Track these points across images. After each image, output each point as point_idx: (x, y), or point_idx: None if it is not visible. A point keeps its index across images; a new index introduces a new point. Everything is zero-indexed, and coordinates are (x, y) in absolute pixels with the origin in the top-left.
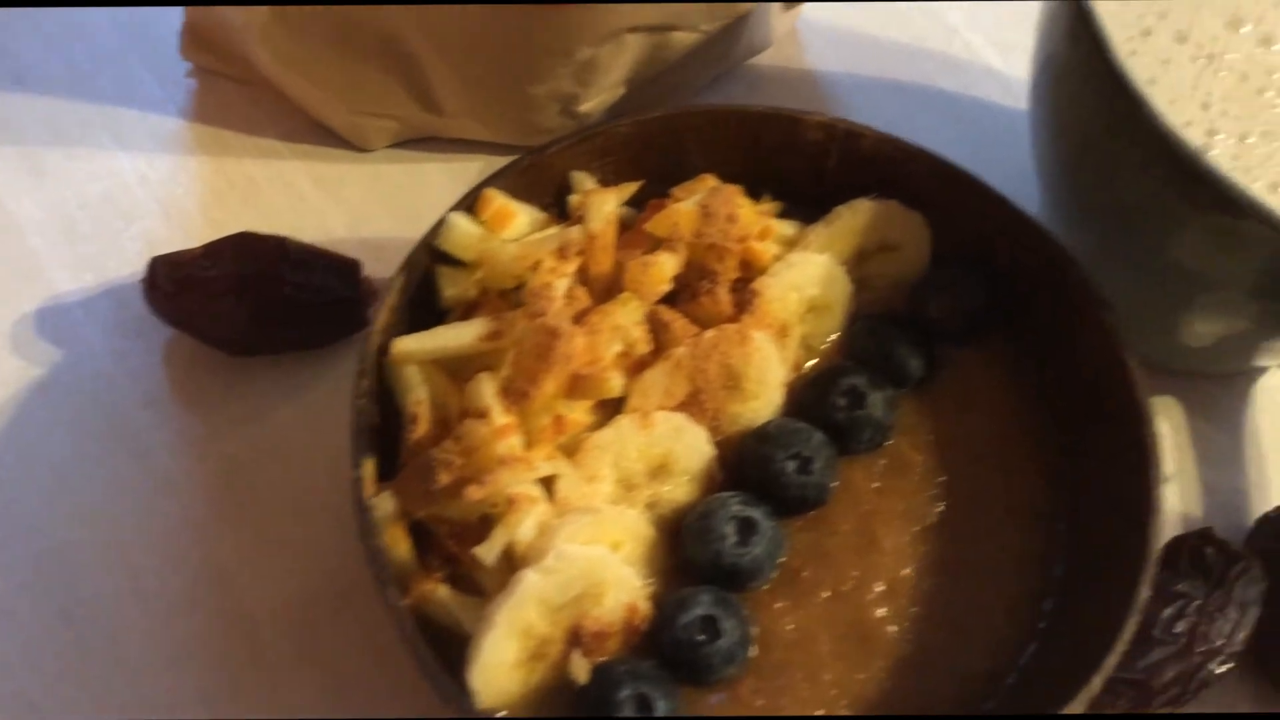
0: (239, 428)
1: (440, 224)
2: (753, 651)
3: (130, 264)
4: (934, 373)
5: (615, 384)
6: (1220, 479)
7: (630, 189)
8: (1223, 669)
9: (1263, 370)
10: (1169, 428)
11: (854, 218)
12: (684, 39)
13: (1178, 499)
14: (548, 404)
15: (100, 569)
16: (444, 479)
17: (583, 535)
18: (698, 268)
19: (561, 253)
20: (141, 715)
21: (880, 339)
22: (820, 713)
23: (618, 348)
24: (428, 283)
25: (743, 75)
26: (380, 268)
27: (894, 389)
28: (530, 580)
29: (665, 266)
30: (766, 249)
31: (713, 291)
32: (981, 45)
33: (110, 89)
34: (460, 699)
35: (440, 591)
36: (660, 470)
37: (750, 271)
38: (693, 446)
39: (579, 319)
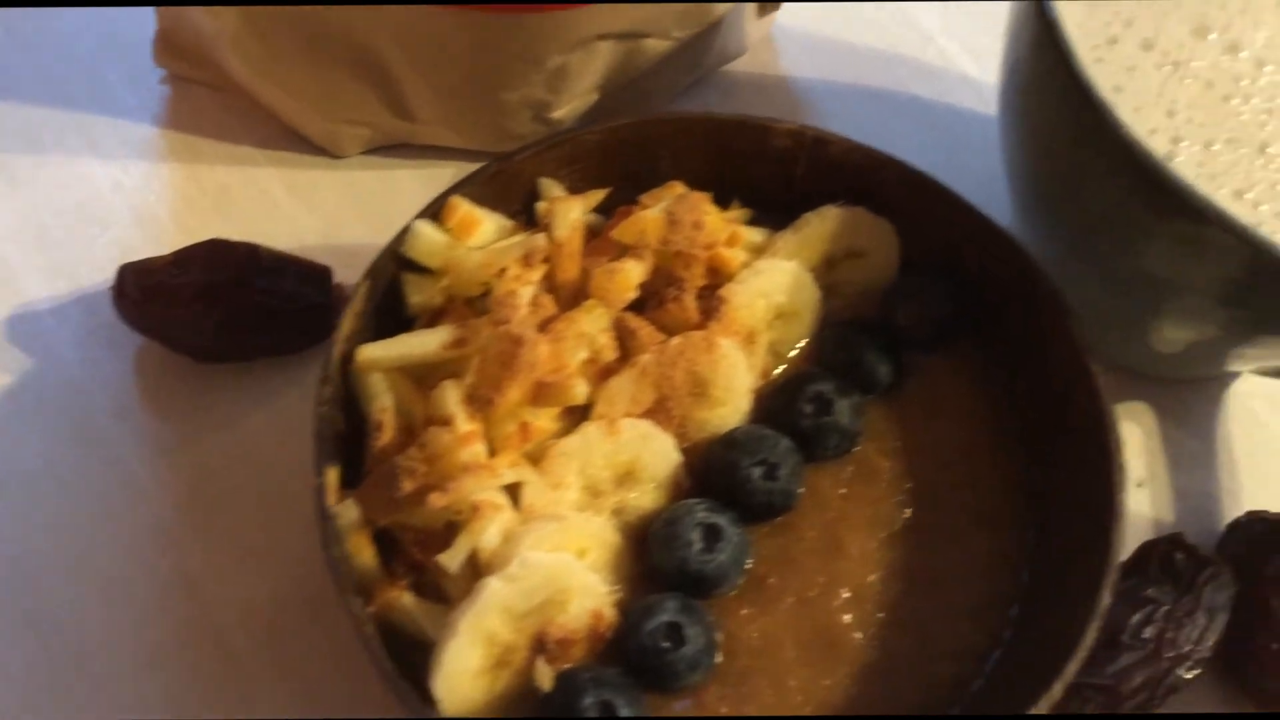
0: (209, 435)
1: (405, 231)
2: (718, 658)
3: (102, 271)
4: (902, 380)
5: (580, 391)
6: (1192, 484)
7: (597, 197)
8: (1191, 674)
9: (1235, 375)
10: (1141, 433)
11: (822, 225)
12: (656, 46)
13: (1149, 504)
14: (512, 411)
15: (69, 576)
16: (407, 486)
17: (547, 542)
18: (665, 275)
19: (526, 260)
20: None
21: (848, 346)
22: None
23: (583, 355)
24: (395, 290)
25: (718, 81)
26: (352, 274)
27: (862, 396)
28: (493, 588)
29: (631, 274)
30: (734, 256)
31: (679, 298)
32: (956, 52)
33: (83, 96)
34: (423, 707)
35: (405, 599)
36: (627, 477)
37: (719, 278)
38: (659, 453)
39: (544, 326)
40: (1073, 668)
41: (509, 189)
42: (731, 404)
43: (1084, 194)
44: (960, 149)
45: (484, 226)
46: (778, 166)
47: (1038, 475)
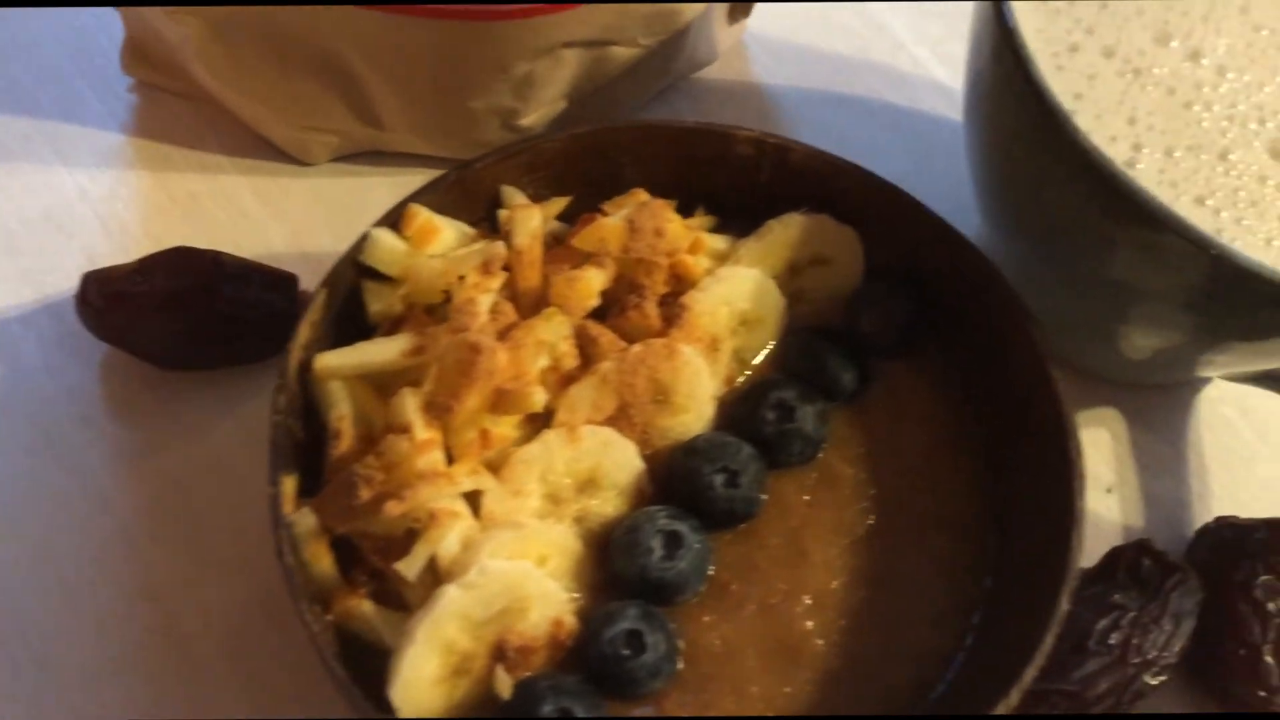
0: (175, 443)
1: (363, 239)
2: (679, 665)
3: (69, 279)
4: (866, 386)
5: (538, 399)
6: (1163, 490)
7: (558, 205)
8: (1157, 680)
9: (1206, 381)
10: (1111, 438)
11: (785, 232)
12: (623, 53)
13: (1119, 510)
14: (472, 419)
15: (33, 584)
16: (365, 494)
17: (507, 550)
18: (627, 282)
19: (485, 268)
20: None
21: (812, 353)
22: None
23: (543, 363)
24: (356, 298)
25: (688, 88)
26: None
27: (825, 402)
28: (451, 596)
29: (592, 281)
30: (698, 263)
31: (641, 306)
32: (927, 58)
33: (51, 104)
34: (378, 714)
35: (364, 606)
36: (588, 484)
37: (682, 286)
38: (621, 460)
39: (504, 334)
40: (1030, 674)
41: (471, 197)
42: (694, 411)
43: (1045, 201)
44: (931, 155)
45: (444, 234)
46: (741, 174)
47: (1001, 481)
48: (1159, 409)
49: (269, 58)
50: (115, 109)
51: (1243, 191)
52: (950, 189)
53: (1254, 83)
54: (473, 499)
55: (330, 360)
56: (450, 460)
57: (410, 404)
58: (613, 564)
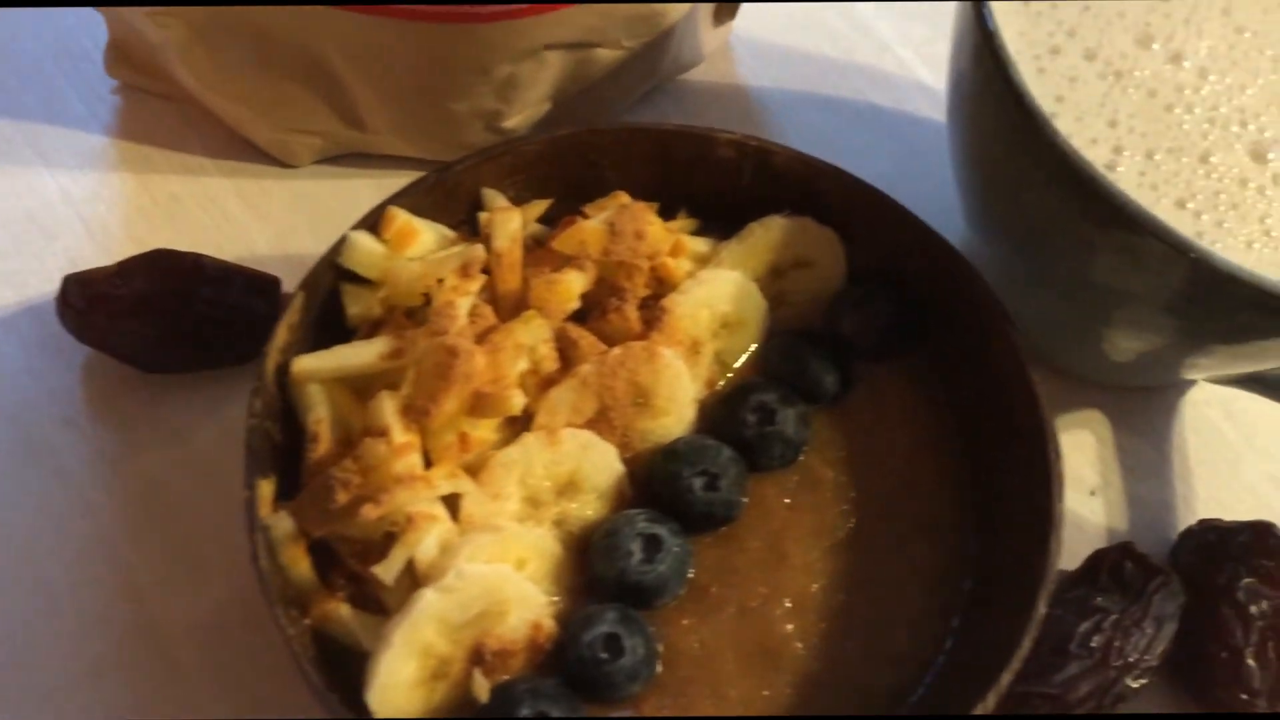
0: (157, 446)
1: (341, 242)
2: (658, 669)
3: (51, 282)
4: (849, 389)
5: (516, 402)
6: (1147, 492)
7: (539, 208)
8: (1138, 683)
9: (1191, 383)
10: (1095, 441)
11: (767, 234)
12: (607, 55)
13: (1103, 512)
14: (451, 422)
15: (13, 586)
16: (342, 498)
17: (485, 553)
18: (608, 285)
19: (464, 271)
20: None
21: (794, 355)
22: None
23: (523, 366)
24: (336, 300)
25: (674, 90)
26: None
27: (807, 405)
28: (428, 599)
29: (571, 284)
30: (679, 266)
31: (621, 309)
32: (912, 60)
33: (34, 106)
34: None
35: (342, 610)
36: (568, 487)
37: (664, 288)
38: (600, 463)
39: (483, 337)
40: (1007, 679)
41: (452, 199)
42: (675, 414)
43: (1025, 203)
44: (917, 156)
45: (423, 237)
46: (723, 177)
47: (982, 484)
48: (1144, 411)
49: (251, 60)
50: (98, 111)
51: (1224, 194)
52: (936, 190)
53: (1235, 85)
54: (452, 502)
55: (308, 363)
56: (429, 464)
57: (388, 407)
58: (592, 567)
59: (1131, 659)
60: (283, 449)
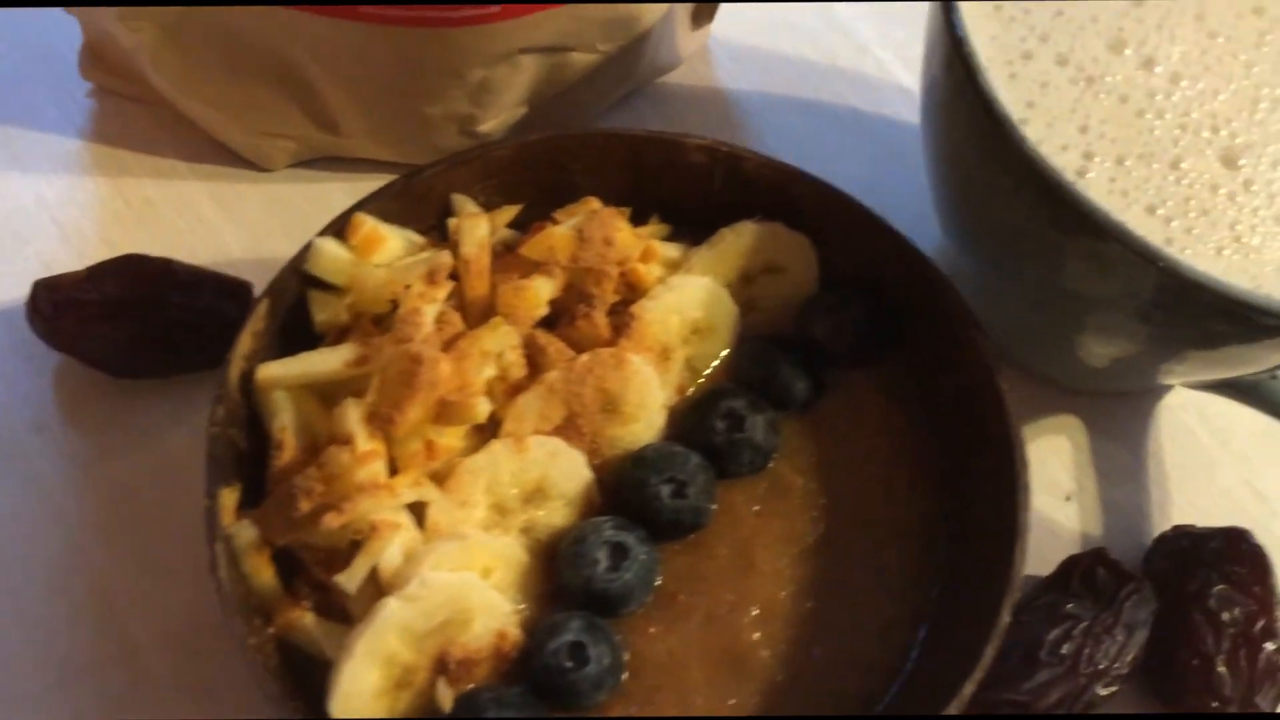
0: (128, 451)
1: (307, 248)
2: (624, 677)
3: (23, 286)
4: (820, 395)
5: (482, 410)
6: (1123, 497)
7: (509, 213)
8: (1107, 691)
9: (1167, 388)
10: (1071, 446)
11: (738, 240)
12: (583, 59)
13: (1078, 518)
14: (416, 430)
15: None
16: (305, 506)
17: (450, 561)
18: (578, 291)
19: (430, 278)
20: None
21: (765, 362)
22: None
23: (489, 373)
24: (303, 306)
25: (652, 94)
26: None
27: (776, 411)
28: (391, 608)
29: (539, 291)
30: (649, 272)
31: (589, 315)
32: (891, 62)
33: (7, 109)
34: None
35: (306, 619)
36: (535, 494)
37: (635, 294)
38: (568, 470)
39: (450, 344)
40: (970, 689)
41: (421, 205)
42: (644, 420)
43: (996, 210)
44: (897, 160)
45: (390, 243)
46: (694, 182)
47: (951, 491)
48: (1119, 416)
49: (222, 63)
50: (72, 114)
51: (1194, 200)
52: (913, 195)
53: (1207, 90)
54: (419, 510)
55: (273, 370)
56: (395, 471)
57: (352, 415)
58: (559, 575)
59: (1101, 666)
60: (249, 456)
